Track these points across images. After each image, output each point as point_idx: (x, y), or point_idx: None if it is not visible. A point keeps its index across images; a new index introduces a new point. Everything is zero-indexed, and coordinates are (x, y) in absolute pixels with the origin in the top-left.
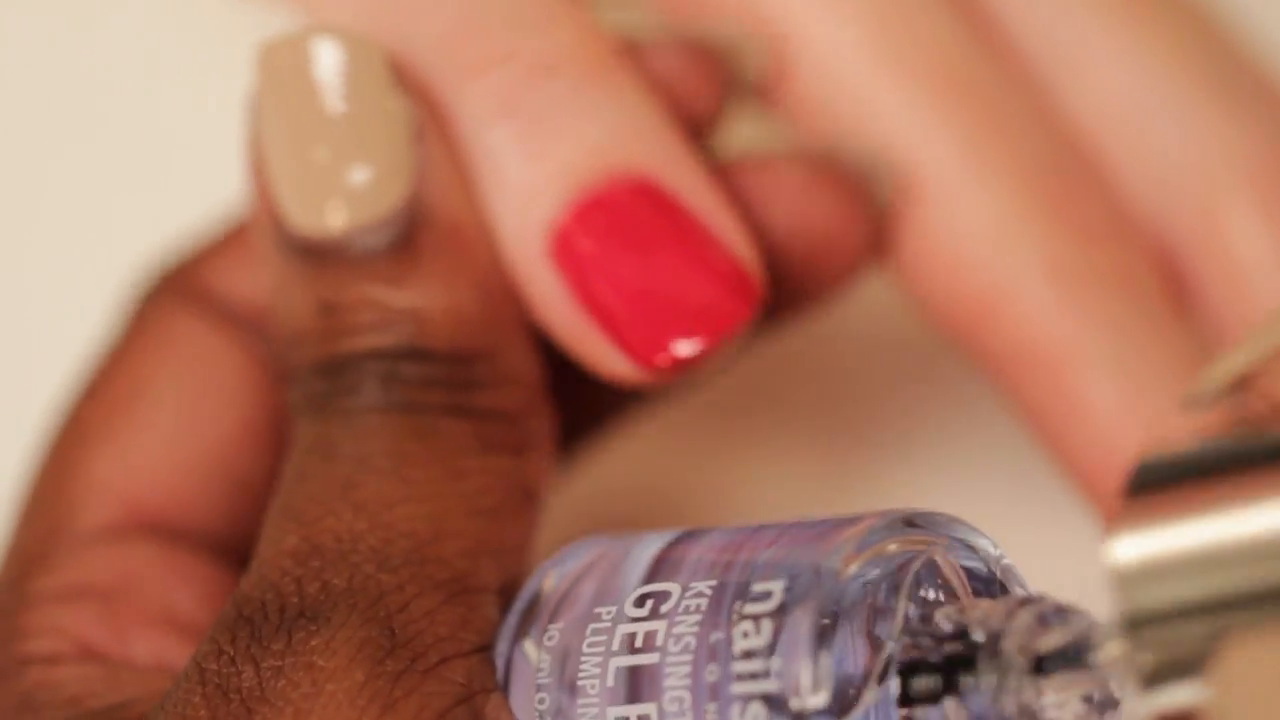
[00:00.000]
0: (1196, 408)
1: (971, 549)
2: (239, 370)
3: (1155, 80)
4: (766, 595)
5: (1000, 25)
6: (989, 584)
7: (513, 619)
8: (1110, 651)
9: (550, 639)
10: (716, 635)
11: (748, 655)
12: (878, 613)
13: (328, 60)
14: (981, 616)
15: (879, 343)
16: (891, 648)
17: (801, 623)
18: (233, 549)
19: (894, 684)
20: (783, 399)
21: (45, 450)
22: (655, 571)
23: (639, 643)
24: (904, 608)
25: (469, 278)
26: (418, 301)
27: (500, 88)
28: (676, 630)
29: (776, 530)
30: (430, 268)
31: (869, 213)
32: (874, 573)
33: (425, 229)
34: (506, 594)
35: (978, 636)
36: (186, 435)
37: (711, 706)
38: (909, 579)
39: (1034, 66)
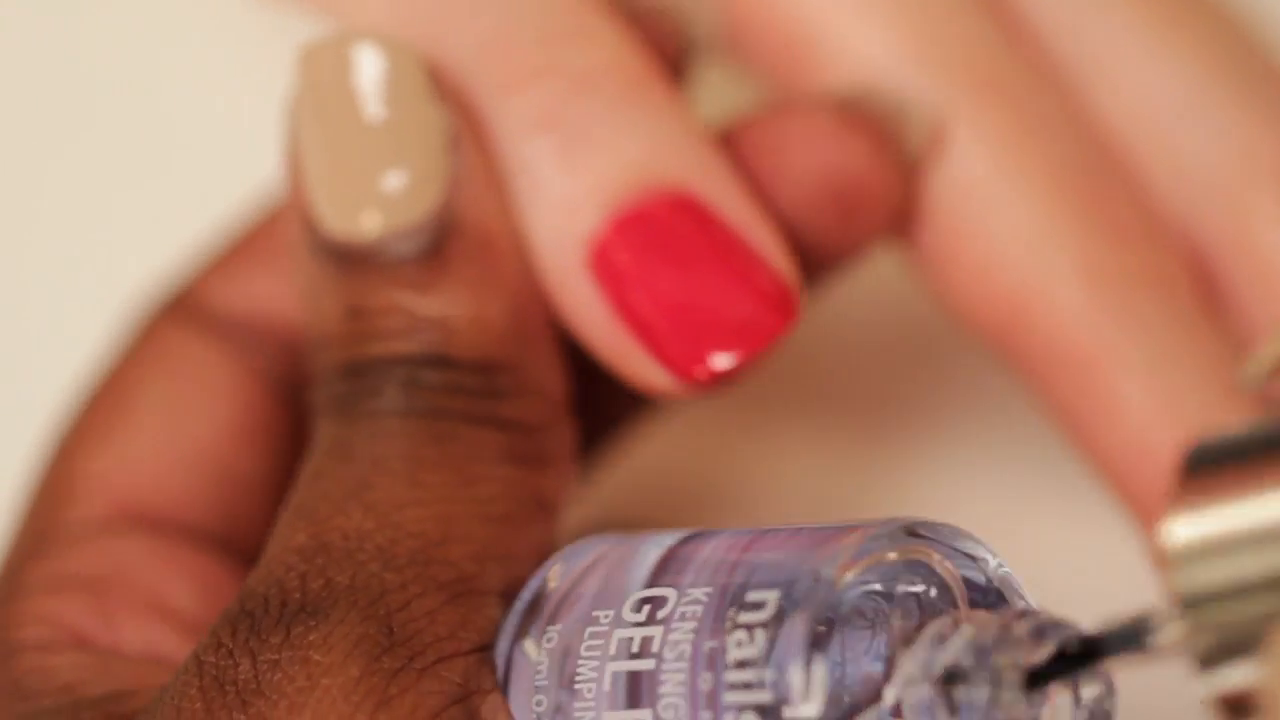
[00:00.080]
0: (1247, 390)
1: (972, 559)
2: (229, 376)
3: (1185, 82)
4: (761, 605)
5: (1031, 28)
6: (987, 594)
7: (514, 616)
8: (1169, 633)
9: (549, 640)
10: (711, 644)
11: (741, 665)
12: (873, 623)
13: (369, 67)
14: (976, 629)
15: (899, 333)
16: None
17: (796, 629)
18: (225, 542)
19: (890, 697)
20: (800, 390)
21: (47, 453)
22: (658, 574)
23: (636, 648)
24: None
25: (498, 288)
26: (444, 310)
27: (540, 102)
28: (673, 637)
29: (780, 534)
30: (459, 276)
31: (900, 159)
32: (871, 581)
33: (456, 237)
34: (511, 599)
35: (971, 649)
36: (176, 434)
37: (707, 715)
38: (905, 591)
39: (1064, 68)
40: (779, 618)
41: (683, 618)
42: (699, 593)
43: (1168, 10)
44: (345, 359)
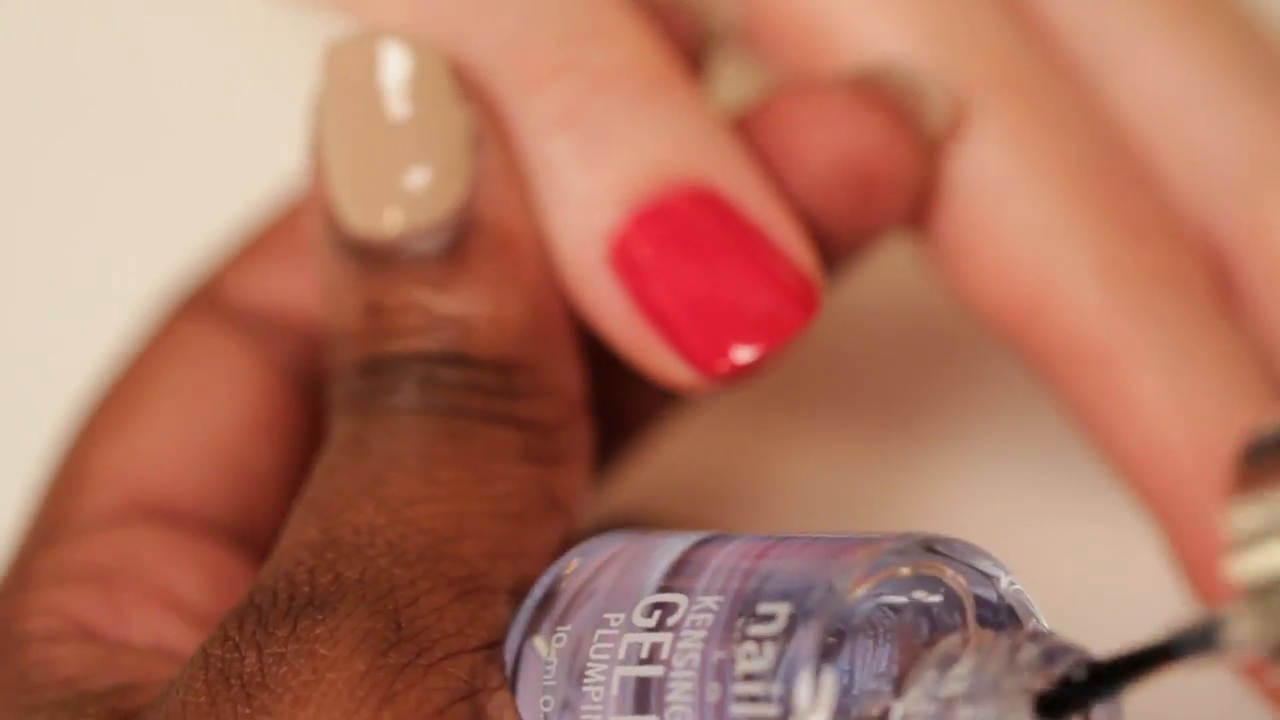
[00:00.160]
0: None
1: (986, 577)
2: (246, 369)
3: (1202, 78)
4: (771, 617)
5: (1047, 24)
6: (999, 613)
7: (526, 613)
8: (1241, 629)
9: (559, 641)
10: (720, 654)
11: (749, 677)
12: (883, 638)
13: (394, 65)
14: (984, 649)
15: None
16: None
17: (806, 641)
18: (238, 535)
19: (897, 714)
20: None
21: (62, 444)
22: (671, 578)
23: (645, 654)
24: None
25: (517, 287)
26: (463, 308)
27: (560, 100)
28: (682, 645)
29: (796, 543)
30: (478, 275)
31: (920, 137)
32: (883, 595)
33: (476, 235)
34: (522, 597)
35: (978, 670)
36: (192, 426)
37: None
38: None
39: (1081, 64)
40: (789, 630)
41: (693, 626)
42: (710, 600)
43: (1184, 7)
44: (364, 356)
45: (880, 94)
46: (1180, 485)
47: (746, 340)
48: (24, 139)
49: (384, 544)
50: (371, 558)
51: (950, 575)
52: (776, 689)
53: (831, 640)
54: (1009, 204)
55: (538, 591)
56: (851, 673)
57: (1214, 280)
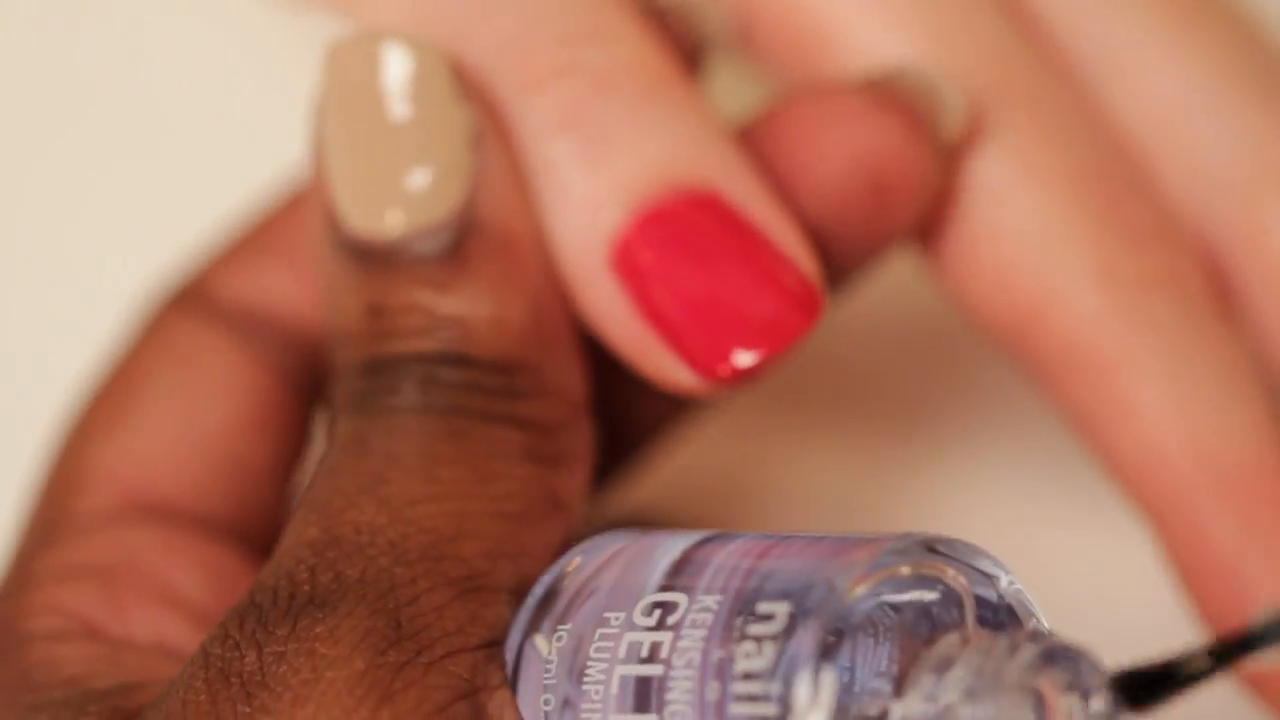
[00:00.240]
0: None
1: (987, 577)
2: (239, 366)
3: (1201, 83)
4: (771, 616)
5: (1046, 29)
6: (1000, 613)
7: (527, 611)
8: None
9: (560, 639)
10: (720, 653)
11: (748, 677)
12: (882, 637)
13: (395, 66)
14: (983, 649)
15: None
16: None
17: (806, 639)
18: (236, 533)
19: (896, 714)
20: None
21: (57, 444)
22: (672, 577)
23: (645, 653)
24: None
25: (518, 288)
26: (463, 309)
27: (562, 102)
28: (682, 644)
29: (797, 542)
30: (479, 275)
31: (935, 140)
32: (884, 594)
33: (477, 236)
34: (522, 596)
35: (978, 669)
36: (186, 424)
37: None
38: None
39: (1080, 70)
40: (789, 629)
41: (693, 625)
42: (710, 600)
43: (1183, 11)
44: (365, 356)
45: (895, 97)
46: (1177, 491)
47: (748, 344)
48: (24, 139)
49: (385, 543)
50: (372, 557)
51: (950, 575)
52: (776, 688)
53: (831, 639)
54: (1007, 209)
55: (539, 590)
56: (851, 672)
57: (1211, 284)
